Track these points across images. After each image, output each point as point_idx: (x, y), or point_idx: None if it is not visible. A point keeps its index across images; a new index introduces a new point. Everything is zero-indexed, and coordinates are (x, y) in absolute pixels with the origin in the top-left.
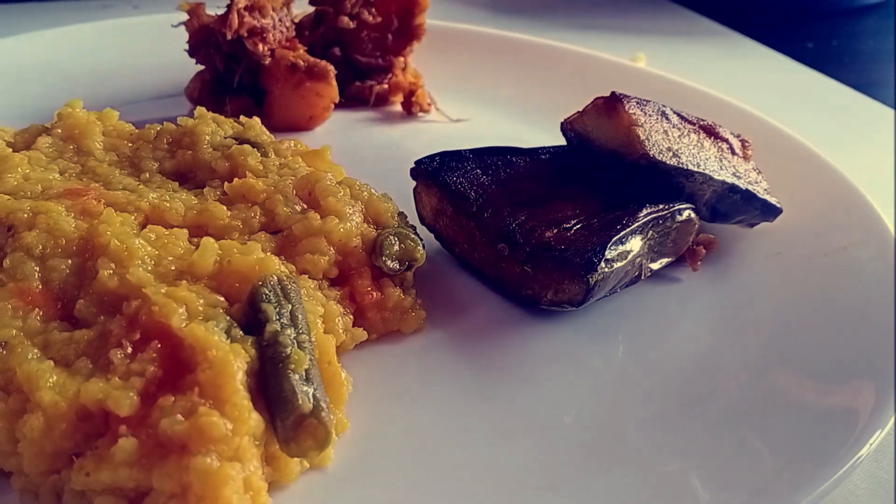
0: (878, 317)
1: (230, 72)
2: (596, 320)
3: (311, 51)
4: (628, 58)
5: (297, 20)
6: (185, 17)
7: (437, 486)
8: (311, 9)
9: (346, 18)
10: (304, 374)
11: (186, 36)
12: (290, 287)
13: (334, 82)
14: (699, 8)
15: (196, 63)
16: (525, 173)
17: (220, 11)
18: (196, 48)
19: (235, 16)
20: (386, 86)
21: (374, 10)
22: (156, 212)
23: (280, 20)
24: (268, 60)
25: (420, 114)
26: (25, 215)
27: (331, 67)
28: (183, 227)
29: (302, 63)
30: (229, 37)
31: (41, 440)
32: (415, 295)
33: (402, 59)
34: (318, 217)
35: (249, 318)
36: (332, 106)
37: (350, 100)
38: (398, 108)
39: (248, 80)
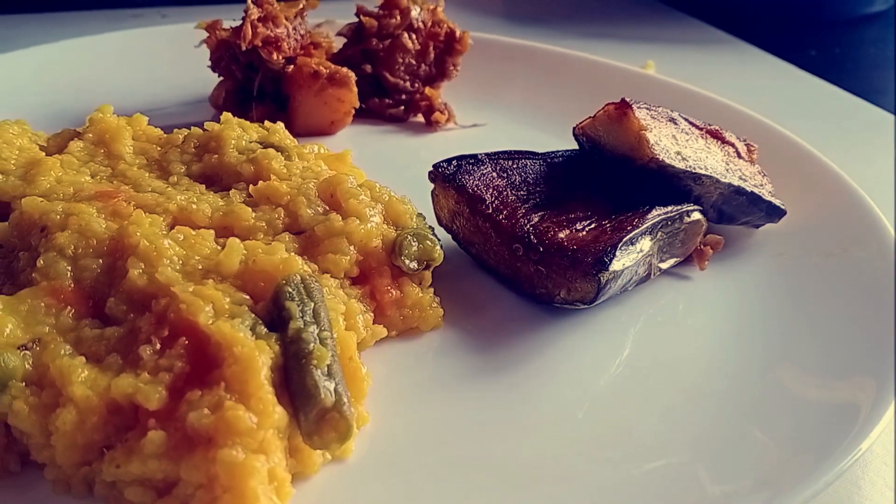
0: (879, 315)
1: (249, 81)
2: (607, 318)
3: (345, 63)
4: (638, 65)
5: (342, 30)
6: (204, 35)
7: (453, 477)
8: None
9: (375, 40)
10: (326, 369)
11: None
12: (312, 286)
13: (354, 88)
14: (706, 17)
15: (218, 76)
16: (539, 176)
17: (237, 23)
18: (217, 62)
19: (249, 27)
20: (402, 108)
21: (415, 36)
22: (183, 213)
23: (294, 29)
24: (289, 68)
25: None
26: (58, 216)
27: (351, 74)
28: (210, 228)
29: (324, 70)
30: (244, 47)
31: (73, 433)
32: (433, 293)
33: (428, 90)
34: (340, 218)
35: (273, 316)
36: (353, 111)
37: (367, 112)
38: (417, 116)
39: (270, 87)
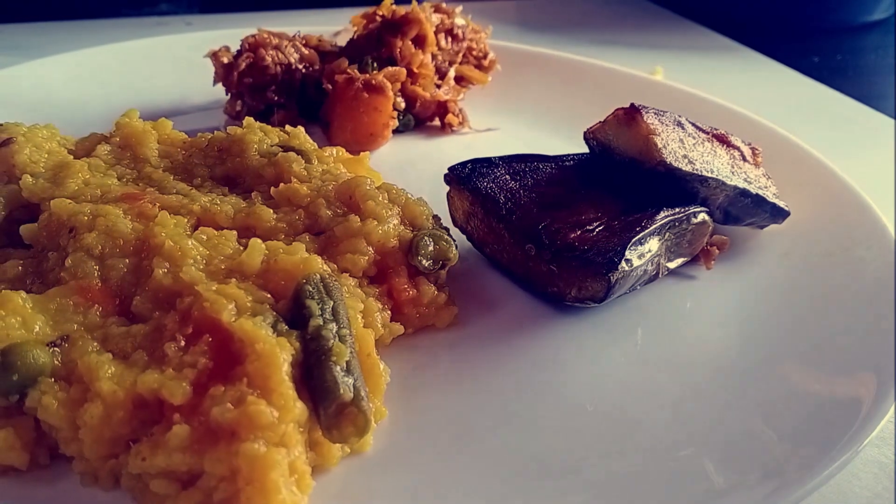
0: (880, 312)
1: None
2: (617, 316)
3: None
4: (647, 71)
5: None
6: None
7: (467, 469)
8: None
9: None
10: (345, 365)
11: (235, 53)
12: (332, 285)
13: (391, 95)
14: (713, 24)
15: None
16: (550, 179)
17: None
18: (227, 85)
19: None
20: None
21: (451, 40)
22: (207, 214)
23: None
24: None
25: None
26: (86, 218)
27: (387, 83)
28: (232, 228)
29: (358, 74)
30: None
31: (100, 427)
32: (448, 292)
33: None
34: (358, 219)
35: (294, 314)
36: (392, 121)
37: None
38: (433, 120)
39: (313, 101)
